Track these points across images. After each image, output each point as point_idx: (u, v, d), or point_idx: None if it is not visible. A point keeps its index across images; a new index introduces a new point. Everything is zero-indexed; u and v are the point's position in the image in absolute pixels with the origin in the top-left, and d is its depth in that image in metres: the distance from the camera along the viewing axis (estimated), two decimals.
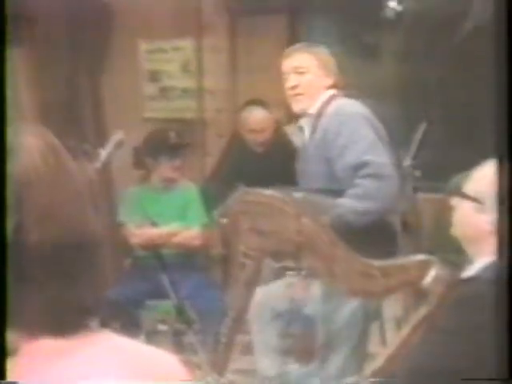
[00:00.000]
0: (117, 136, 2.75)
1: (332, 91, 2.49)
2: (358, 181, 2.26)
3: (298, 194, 2.19)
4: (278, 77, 2.58)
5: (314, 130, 2.44)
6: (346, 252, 1.71)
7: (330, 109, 2.42)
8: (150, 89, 4.27)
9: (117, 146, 2.74)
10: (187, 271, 3.09)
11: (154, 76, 4.27)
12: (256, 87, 3.75)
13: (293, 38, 3.74)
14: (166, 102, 4.25)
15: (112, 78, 4.15)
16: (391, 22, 3.72)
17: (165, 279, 2.48)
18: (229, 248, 2.28)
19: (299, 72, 2.46)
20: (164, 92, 4.27)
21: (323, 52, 2.55)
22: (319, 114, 2.43)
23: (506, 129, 1.08)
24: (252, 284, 1.98)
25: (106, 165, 2.81)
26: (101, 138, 3.67)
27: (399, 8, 3.73)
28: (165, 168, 3.26)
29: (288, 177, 2.53)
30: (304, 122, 2.53)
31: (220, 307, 2.69)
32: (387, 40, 3.88)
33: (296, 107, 2.50)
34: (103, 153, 2.70)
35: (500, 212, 1.22)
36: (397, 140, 2.58)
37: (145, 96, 4.26)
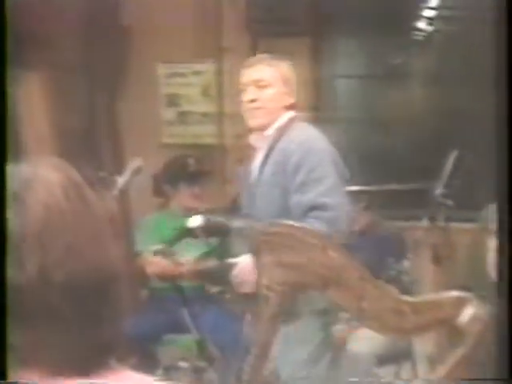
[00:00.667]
0: (135, 163, 2.77)
1: (292, 113, 2.43)
2: (309, 220, 2.22)
3: (238, 222, 2.21)
4: (303, 101, 2.57)
5: (269, 153, 2.38)
6: (376, 287, 1.71)
7: (291, 134, 2.35)
8: (169, 114, 4.32)
9: (134, 173, 2.76)
10: (207, 304, 3.08)
11: (173, 100, 4.32)
12: None
13: (317, 60, 3.77)
14: (185, 127, 4.29)
15: (129, 102, 4.21)
16: (421, 43, 3.74)
17: (185, 312, 2.49)
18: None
19: (260, 85, 2.39)
20: (183, 117, 4.31)
21: (287, 67, 2.47)
22: (277, 137, 2.37)
23: None
24: (276, 318, 1.98)
25: (124, 192, 2.84)
26: (118, 165, 3.71)
27: (429, 29, 3.75)
28: (184, 196, 3.28)
29: None
30: (257, 141, 2.45)
31: (243, 343, 2.68)
32: (417, 62, 3.90)
33: (252, 122, 2.42)
34: (120, 180, 2.73)
35: None
36: (427, 167, 2.58)
37: (163, 121, 4.31)
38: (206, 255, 3.17)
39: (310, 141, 2.33)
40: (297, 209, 2.25)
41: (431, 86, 3.90)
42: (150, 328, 3.06)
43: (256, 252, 1.96)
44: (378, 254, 3.05)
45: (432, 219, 2.42)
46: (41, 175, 0.73)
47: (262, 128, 2.41)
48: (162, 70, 4.27)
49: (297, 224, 1.85)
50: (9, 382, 0.68)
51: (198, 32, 4.11)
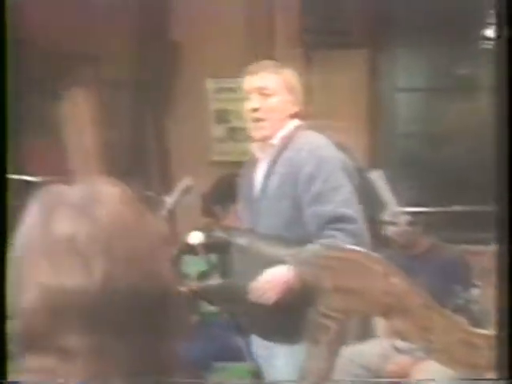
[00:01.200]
0: (184, 182, 2.78)
1: (297, 121, 2.41)
2: (331, 232, 2.19)
3: (240, 239, 2.17)
4: (360, 116, 2.56)
5: (274, 163, 2.35)
6: (443, 316, 1.66)
7: (298, 142, 2.32)
8: (218, 130, 4.34)
9: (184, 192, 2.77)
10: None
11: (222, 116, 4.33)
12: (333, 127, 3.74)
13: (375, 73, 3.73)
14: (235, 144, 4.29)
15: (178, 119, 4.24)
16: (489, 52, 3.65)
17: (239, 339, 2.47)
18: (308, 306, 2.25)
19: (263, 93, 2.37)
20: (232, 133, 4.32)
21: (292, 74, 2.44)
22: (283, 146, 2.34)
23: None
24: (335, 346, 1.95)
25: (172, 212, 2.85)
26: (166, 184, 3.74)
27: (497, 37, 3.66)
28: (234, 216, 3.27)
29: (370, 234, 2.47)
30: (260, 151, 2.42)
31: (298, 371, 2.64)
32: (483, 73, 3.81)
33: (256, 134, 2.39)
34: (169, 200, 2.73)
35: None
36: (494, 186, 2.50)
37: (212, 138, 4.33)
38: (206, 272, 3.16)
39: (321, 148, 2.32)
40: (314, 220, 2.23)
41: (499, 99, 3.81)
42: (200, 354, 3.05)
43: (314, 277, 1.93)
44: (442, 281, 2.96)
45: (501, 243, 2.34)
46: (105, 190, 0.79)
47: (266, 139, 2.39)
48: (210, 84, 4.29)
49: (358, 249, 1.82)
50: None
51: (248, 45, 4.13)
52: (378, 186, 3.14)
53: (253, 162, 2.48)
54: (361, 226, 2.21)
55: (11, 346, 0.74)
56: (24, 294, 0.73)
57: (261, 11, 4.12)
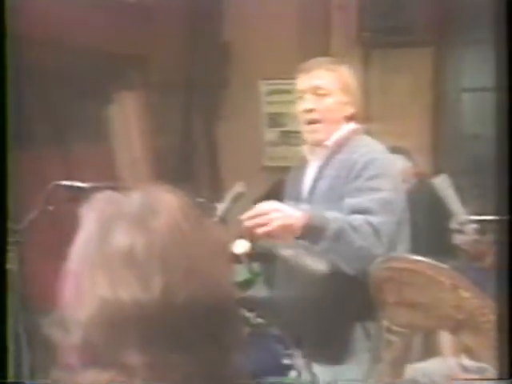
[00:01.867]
0: (236, 188, 2.78)
1: (353, 124, 2.36)
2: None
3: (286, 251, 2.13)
4: (423, 118, 2.52)
5: (325, 166, 2.32)
6: None
7: (353, 146, 2.29)
8: (271, 134, 4.34)
9: (235, 199, 2.76)
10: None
11: (275, 120, 4.33)
12: (394, 130, 3.71)
13: (440, 72, 3.67)
14: (288, 148, 4.29)
15: (228, 122, 4.26)
16: None
17: (293, 352, 2.45)
18: (371, 321, 2.22)
19: (318, 93, 2.32)
20: (285, 137, 4.32)
21: (348, 72, 2.38)
22: (337, 149, 2.31)
23: None
24: (400, 363, 1.92)
25: (223, 220, 2.86)
26: (216, 190, 3.75)
27: None
28: None
29: (435, 244, 2.43)
30: (312, 154, 2.37)
31: None
32: None
33: (310, 136, 2.35)
34: (220, 207, 2.74)
35: None
36: None
37: (265, 142, 4.34)
38: (249, 282, 3.14)
39: (375, 152, 2.29)
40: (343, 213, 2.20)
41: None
42: (251, 368, 3.04)
43: (376, 290, 1.91)
44: None
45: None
46: (162, 199, 0.79)
47: (320, 142, 2.38)
48: (263, 87, 4.30)
49: (426, 260, 1.79)
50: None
51: (302, 45, 4.12)
52: (443, 192, 3.09)
53: (303, 165, 2.47)
54: (384, 221, 2.17)
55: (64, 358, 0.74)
56: (82, 307, 0.74)
57: (315, 9, 4.11)
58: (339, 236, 2.10)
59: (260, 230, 2.10)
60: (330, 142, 2.34)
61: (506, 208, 2.13)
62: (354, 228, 2.12)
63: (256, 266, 2.64)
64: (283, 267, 2.39)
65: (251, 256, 2.24)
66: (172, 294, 0.74)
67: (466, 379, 1.25)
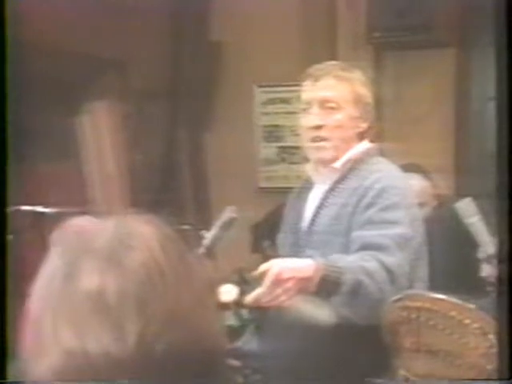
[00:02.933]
0: (227, 213, 2.76)
1: (366, 143, 2.34)
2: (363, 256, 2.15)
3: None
4: (443, 132, 2.51)
5: (331, 191, 2.30)
6: None
7: (365, 170, 2.27)
8: (267, 150, 4.34)
9: (226, 226, 2.74)
10: None
11: (273, 133, 4.34)
12: (409, 144, 3.71)
13: (463, 77, 3.68)
14: (288, 166, 4.29)
15: (218, 136, 4.26)
16: None
17: None
18: (385, 372, 2.20)
19: (327, 107, 2.29)
20: (285, 154, 4.33)
21: (362, 81, 2.35)
22: (347, 173, 2.30)
23: None
24: None
25: (211, 250, 2.84)
26: (203, 215, 3.73)
27: None
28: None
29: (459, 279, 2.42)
30: (318, 176, 2.36)
31: None
32: None
33: (316, 156, 2.33)
34: (208, 235, 2.72)
35: None
36: None
37: (260, 159, 4.33)
38: (237, 329, 3.13)
39: (390, 179, 2.27)
40: (352, 246, 2.17)
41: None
42: None
43: (391, 333, 1.88)
44: None
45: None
46: (136, 231, 0.79)
47: (327, 162, 2.35)
48: (259, 95, 4.31)
49: (448, 298, 1.77)
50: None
51: (305, 46, 4.14)
52: (467, 219, 3.07)
53: (305, 187, 2.44)
54: (399, 262, 2.14)
55: None
56: (43, 357, 0.74)
57: (319, 5, 4.14)
58: (356, 290, 2.05)
59: (280, 302, 2.07)
60: (339, 164, 2.31)
61: None
62: (371, 276, 2.08)
63: (245, 312, 2.62)
64: (278, 314, 2.35)
65: (240, 302, 2.21)
66: (149, 345, 0.73)
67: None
